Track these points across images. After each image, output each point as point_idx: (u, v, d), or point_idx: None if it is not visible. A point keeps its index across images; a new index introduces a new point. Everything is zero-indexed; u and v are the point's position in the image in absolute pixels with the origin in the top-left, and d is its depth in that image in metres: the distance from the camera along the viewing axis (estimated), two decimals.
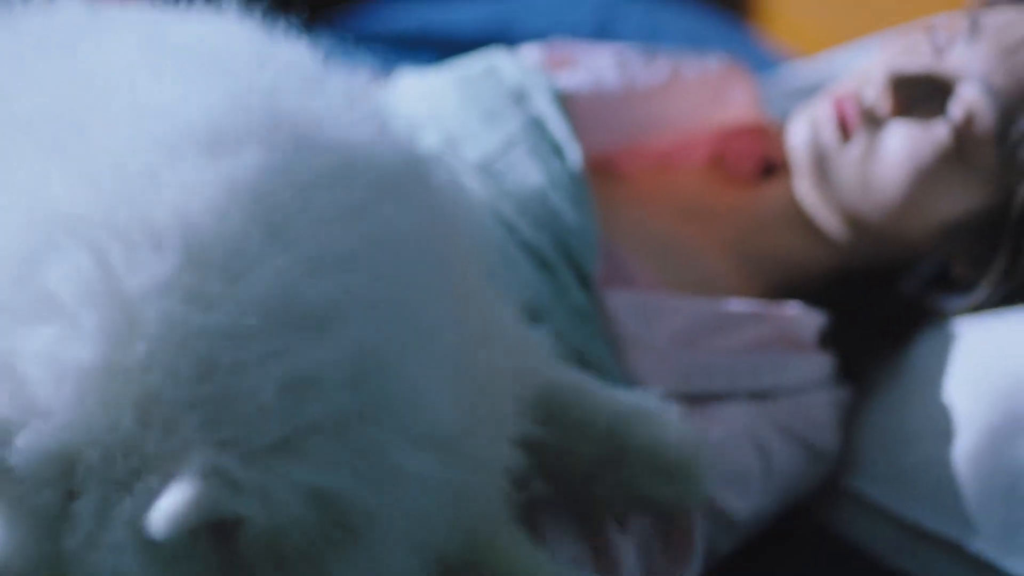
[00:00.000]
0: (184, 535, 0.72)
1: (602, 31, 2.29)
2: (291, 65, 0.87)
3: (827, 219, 1.32)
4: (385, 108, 0.91)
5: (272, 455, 0.74)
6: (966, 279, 1.29)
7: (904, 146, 1.26)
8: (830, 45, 1.93)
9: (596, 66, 1.38)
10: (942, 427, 1.22)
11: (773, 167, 1.45)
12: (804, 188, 1.32)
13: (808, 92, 1.47)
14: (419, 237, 0.84)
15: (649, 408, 1.06)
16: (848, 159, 1.29)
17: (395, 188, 0.84)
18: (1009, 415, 1.18)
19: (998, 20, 1.28)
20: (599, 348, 1.20)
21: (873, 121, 1.28)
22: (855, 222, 1.31)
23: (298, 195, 0.78)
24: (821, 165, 1.30)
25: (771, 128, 1.45)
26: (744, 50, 1.97)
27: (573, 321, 1.20)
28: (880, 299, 1.32)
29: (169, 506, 0.71)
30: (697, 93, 1.41)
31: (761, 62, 1.92)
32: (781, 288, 1.34)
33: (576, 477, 1.05)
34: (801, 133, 1.32)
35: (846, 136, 1.29)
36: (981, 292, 1.27)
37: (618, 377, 1.20)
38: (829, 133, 1.30)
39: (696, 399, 1.24)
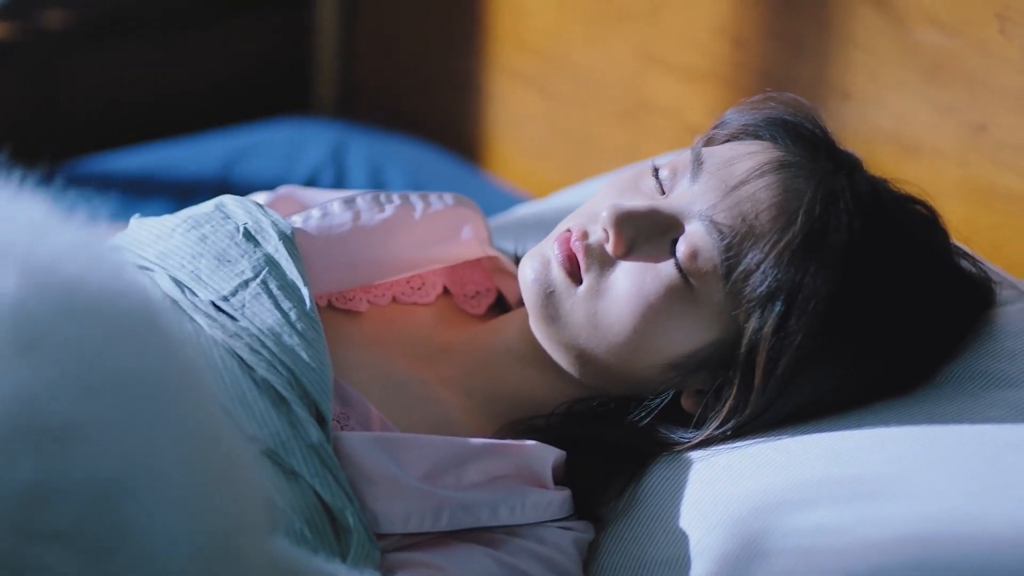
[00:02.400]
0: None
1: (332, 174, 2.30)
2: (22, 213, 0.88)
3: (558, 355, 1.32)
4: (116, 252, 0.93)
5: (10, 556, 0.75)
6: (698, 412, 1.30)
7: (632, 285, 1.27)
8: (556, 188, 1.97)
9: (323, 207, 1.38)
10: (679, 556, 1.22)
11: (506, 303, 1.46)
12: (534, 325, 1.32)
13: (538, 228, 1.47)
14: (155, 378, 0.85)
15: None
16: (576, 298, 1.28)
17: (130, 329, 0.85)
18: (742, 541, 1.19)
19: (720, 157, 1.30)
20: (335, 487, 1.18)
21: (601, 260, 1.28)
22: (585, 359, 1.30)
23: (45, 321, 0.80)
24: (550, 303, 1.29)
25: (502, 264, 1.46)
26: (474, 189, 2.00)
27: (309, 459, 1.18)
28: (612, 432, 1.32)
29: None
30: (427, 230, 1.40)
31: (491, 200, 1.95)
32: (515, 423, 1.33)
33: None
34: (530, 272, 1.30)
35: (574, 274, 1.29)
36: (711, 425, 1.28)
37: (356, 517, 1.18)
38: (556, 272, 1.29)
39: (445, 537, 1.22)
